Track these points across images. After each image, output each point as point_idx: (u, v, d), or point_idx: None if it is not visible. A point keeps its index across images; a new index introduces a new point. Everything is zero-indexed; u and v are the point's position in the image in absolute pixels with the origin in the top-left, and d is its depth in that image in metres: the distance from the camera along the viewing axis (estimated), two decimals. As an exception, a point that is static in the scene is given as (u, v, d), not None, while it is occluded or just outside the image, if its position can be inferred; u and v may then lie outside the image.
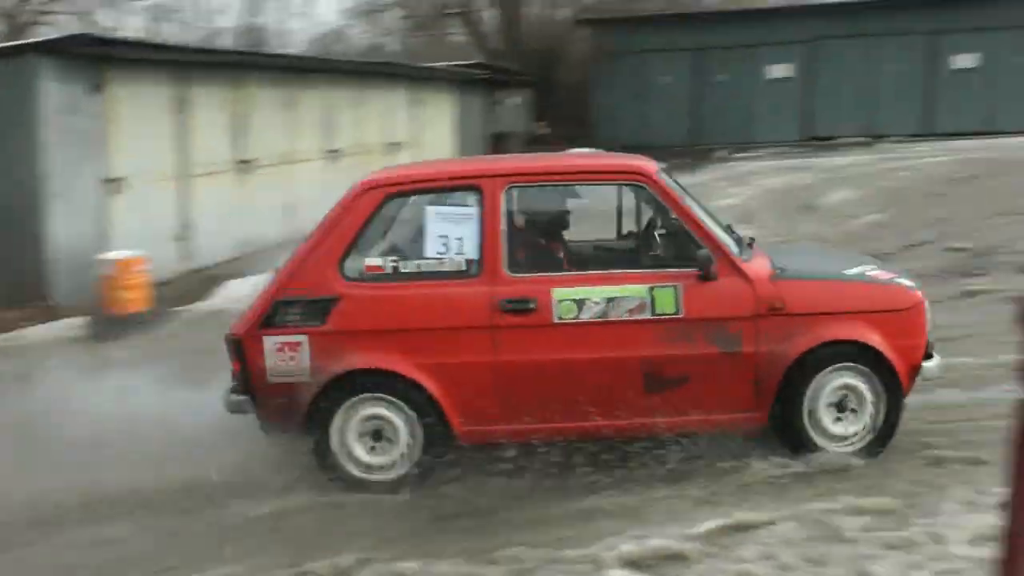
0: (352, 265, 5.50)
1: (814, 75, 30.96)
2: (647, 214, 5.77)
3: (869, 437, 5.53)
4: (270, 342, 5.40)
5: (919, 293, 5.68)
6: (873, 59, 30.57)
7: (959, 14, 30.72)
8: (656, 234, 5.66)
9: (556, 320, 5.41)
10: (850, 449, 5.51)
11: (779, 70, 31.19)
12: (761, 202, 16.87)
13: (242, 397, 5.50)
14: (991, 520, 3.77)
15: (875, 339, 5.45)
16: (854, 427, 5.54)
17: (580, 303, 5.42)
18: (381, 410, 5.45)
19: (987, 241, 12.38)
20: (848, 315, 5.51)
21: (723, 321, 5.43)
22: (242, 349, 5.44)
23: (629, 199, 6.12)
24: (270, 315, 5.44)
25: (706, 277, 5.44)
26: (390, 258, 5.55)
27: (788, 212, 15.77)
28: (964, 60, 30.51)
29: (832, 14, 31.94)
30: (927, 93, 30.60)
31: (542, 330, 5.40)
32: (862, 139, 28.97)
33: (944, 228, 13.50)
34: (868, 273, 5.78)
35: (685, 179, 20.70)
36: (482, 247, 5.47)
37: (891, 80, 30.47)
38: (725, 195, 17.70)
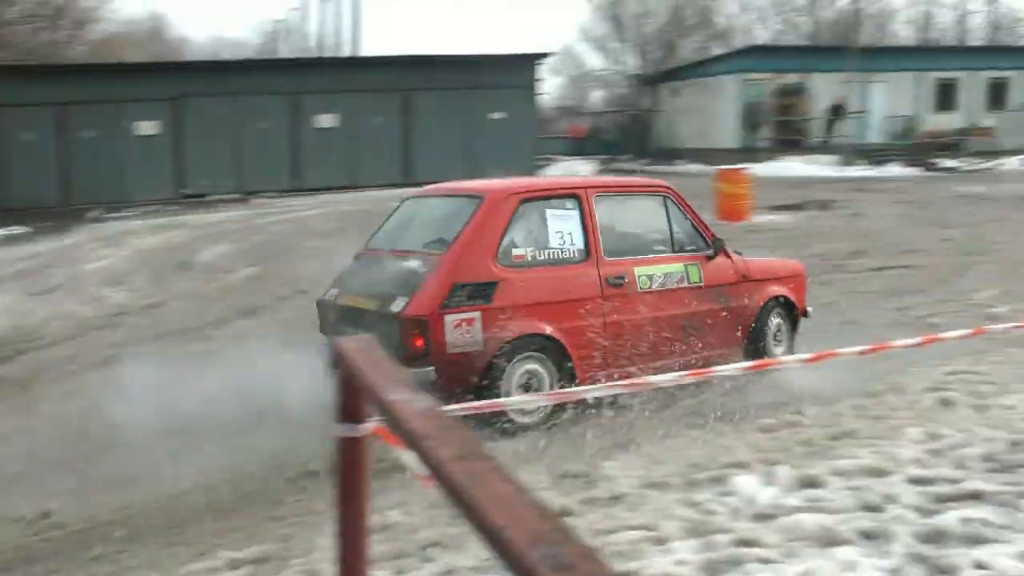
0: (503, 255, 7.02)
1: (183, 132, 31.04)
2: (673, 215, 7.97)
3: (784, 347, 8.57)
4: (450, 320, 6.69)
5: (803, 265, 9.19)
6: (241, 117, 31.38)
7: (318, 76, 32.70)
8: (677, 228, 7.99)
9: (639, 290, 7.52)
10: (780, 351, 8.45)
11: (148, 127, 30.83)
12: (135, 263, 16.48)
13: (428, 368, 6.54)
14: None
15: (790, 294, 8.68)
16: (780, 348, 8.52)
17: (651, 277, 7.62)
18: (533, 366, 6.98)
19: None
20: (776, 280, 8.67)
21: (722, 286, 8.10)
22: (427, 328, 6.61)
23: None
24: (448, 299, 6.71)
25: (712, 257, 8.05)
26: (528, 248, 7.17)
27: (164, 271, 15.56)
28: (325, 120, 32.46)
29: (197, 72, 32.40)
30: (294, 150, 32.06)
31: (631, 297, 7.47)
32: (236, 195, 29.55)
33: (318, 279, 14.10)
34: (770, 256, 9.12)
35: (53, 243, 20.02)
36: (586, 239, 7.39)
37: (260, 138, 31.48)
38: (96, 257, 17.08)
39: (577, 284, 7.23)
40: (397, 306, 6.76)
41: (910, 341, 5.97)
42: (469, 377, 6.73)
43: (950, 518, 4.87)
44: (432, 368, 6.59)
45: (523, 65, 35.07)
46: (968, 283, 12.74)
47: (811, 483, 5.41)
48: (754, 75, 40.51)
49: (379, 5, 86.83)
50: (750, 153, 37.06)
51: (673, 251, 7.85)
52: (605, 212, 7.61)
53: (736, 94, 40.61)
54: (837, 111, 38.98)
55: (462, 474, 1.19)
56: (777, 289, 8.57)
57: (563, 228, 7.33)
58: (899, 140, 40.35)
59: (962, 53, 49.03)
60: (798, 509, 5.02)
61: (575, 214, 7.38)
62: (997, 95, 44.08)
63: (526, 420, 6.83)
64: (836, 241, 16.39)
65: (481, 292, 6.83)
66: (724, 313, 8.01)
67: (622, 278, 7.43)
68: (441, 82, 33.25)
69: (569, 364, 7.09)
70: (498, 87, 34.02)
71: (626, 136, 47.27)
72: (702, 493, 5.29)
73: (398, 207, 8.36)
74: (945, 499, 5.16)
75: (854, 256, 14.74)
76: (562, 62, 55.11)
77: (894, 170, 33.68)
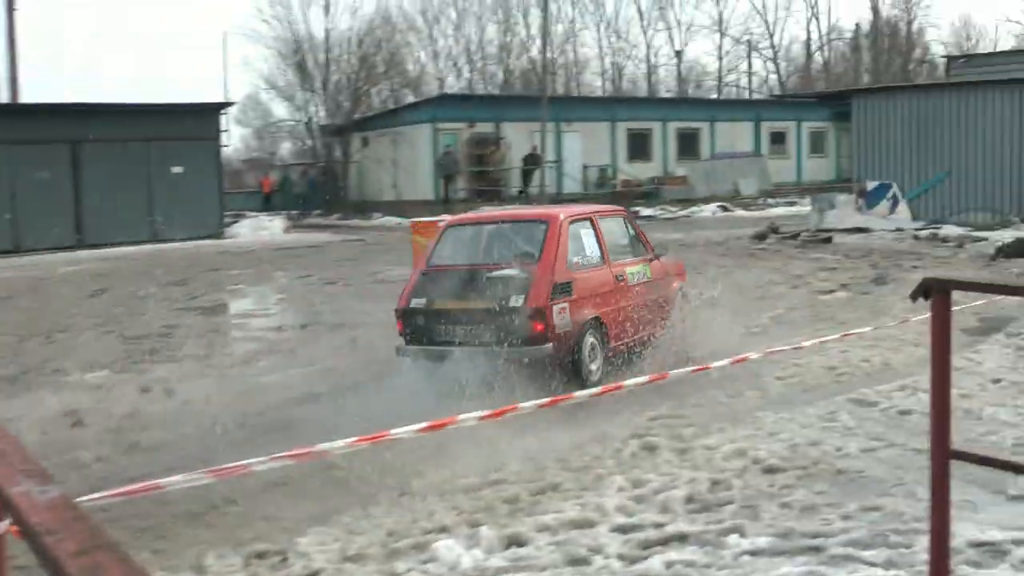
0: (569, 262, 9.96)
1: None
2: (631, 230, 11.53)
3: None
4: (555, 308, 9.46)
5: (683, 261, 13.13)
6: None
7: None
8: (631, 238, 11.46)
9: (630, 284, 10.71)
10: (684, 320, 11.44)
11: None
12: None
13: (547, 345, 9.33)
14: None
15: (685, 284, 12.25)
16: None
17: (633, 274, 10.84)
18: (592, 339, 9.87)
19: (24, 364, 12.39)
20: (676, 275, 12.14)
21: (658, 280, 11.36)
22: (545, 315, 9.35)
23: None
24: (552, 293, 9.46)
25: (653, 259, 11.41)
26: (577, 257, 10.13)
27: None
28: None
29: None
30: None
31: (627, 289, 10.63)
32: None
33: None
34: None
35: None
36: (600, 249, 10.51)
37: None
38: None
39: (603, 281, 10.36)
40: (517, 301, 9.47)
41: (593, 391, 6.16)
42: (566, 350, 9.57)
43: (655, 563, 5.05)
44: (550, 344, 9.38)
45: (205, 115, 34.38)
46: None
47: (516, 541, 5.47)
48: (447, 124, 41.44)
49: (40, 46, 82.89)
50: (448, 205, 37.80)
51: (635, 256, 11.22)
52: (603, 229, 10.78)
53: (429, 144, 41.37)
54: (533, 160, 40.36)
55: (81, 569, 1.08)
56: (678, 282, 12.10)
57: (589, 242, 10.49)
58: (597, 189, 42.29)
59: (653, 104, 52.21)
60: (503, 570, 5.06)
61: (592, 231, 10.59)
62: (688, 145, 47.18)
63: (594, 379, 9.69)
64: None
65: (566, 289, 9.72)
66: (661, 299, 11.31)
67: (622, 276, 10.69)
68: (116, 133, 31.98)
69: (606, 336, 10.12)
70: (179, 139, 33.13)
71: (318, 189, 47.09)
72: (403, 562, 5.24)
73: (443, 233, 10.89)
74: (651, 544, 5.36)
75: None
76: (247, 112, 54.47)
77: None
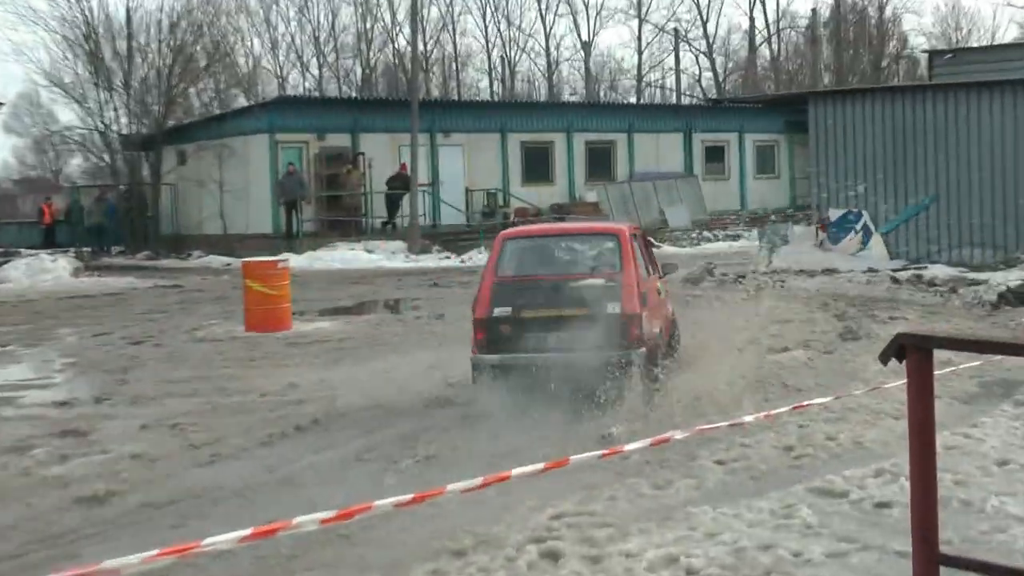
0: (640, 273, 13.11)
1: None
2: (648, 250, 14.91)
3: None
4: (644, 315, 12.46)
5: None
6: None
7: None
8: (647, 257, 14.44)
9: (663, 297, 14.51)
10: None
11: None
12: None
13: (641, 349, 12.21)
14: None
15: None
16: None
17: (660, 290, 14.31)
18: (659, 346, 13.42)
19: None
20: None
21: (667, 298, 14.98)
22: (640, 321, 12.33)
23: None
24: (639, 302, 12.41)
25: (662, 277, 14.87)
26: (640, 269, 13.15)
27: None
28: None
29: None
30: None
31: (662, 301, 14.30)
32: None
33: None
34: None
35: None
36: (647, 263, 13.88)
37: None
38: None
39: (655, 291, 13.70)
40: (614, 309, 12.18)
41: (475, 482, 6.07)
42: (652, 354, 12.49)
43: None
44: (643, 349, 12.16)
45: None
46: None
47: None
48: (289, 135, 41.15)
49: None
50: (291, 240, 37.53)
51: (654, 273, 14.24)
52: (643, 246, 14.19)
53: (266, 161, 41.12)
54: (401, 183, 40.19)
55: None
56: (669, 301, 15.30)
57: (640, 255, 13.46)
58: (484, 219, 42.28)
59: (555, 111, 52.52)
60: None
61: (639, 247, 13.67)
62: (600, 163, 47.64)
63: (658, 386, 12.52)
64: (404, 351, 16.75)
65: (644, 298, 12.61)
66: (671, 316, 14.92)
67: (660, 290, 14.19)
68: None
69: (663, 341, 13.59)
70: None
71: (119, 219, 46.25)
72: None
73: (504, 247, 13.39)
74: None
75: (433, 369, 15.07)
76: (21, 117, 53.48)
77: (482, 258, 35.24)
